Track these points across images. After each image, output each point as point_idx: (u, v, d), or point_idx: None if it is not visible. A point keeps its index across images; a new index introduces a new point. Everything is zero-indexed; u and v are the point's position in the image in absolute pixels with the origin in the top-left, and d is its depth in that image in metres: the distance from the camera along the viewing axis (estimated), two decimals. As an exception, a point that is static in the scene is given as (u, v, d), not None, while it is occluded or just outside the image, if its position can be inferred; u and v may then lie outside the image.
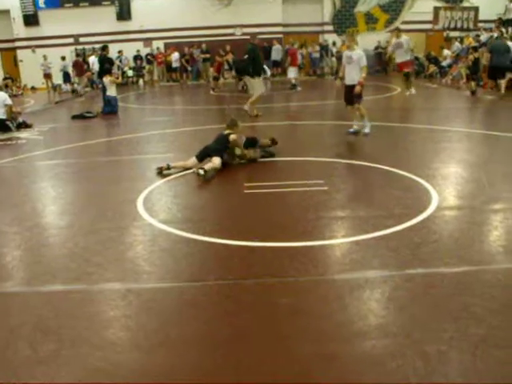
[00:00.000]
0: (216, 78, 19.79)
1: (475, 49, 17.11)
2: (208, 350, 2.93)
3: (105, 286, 3.78)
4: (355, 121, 9.44)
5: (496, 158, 7.53)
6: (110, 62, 14.64)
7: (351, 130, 9.43)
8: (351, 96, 9.04)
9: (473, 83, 15.49)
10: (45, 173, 7.74)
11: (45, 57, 22.81)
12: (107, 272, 4.03)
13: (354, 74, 8.94)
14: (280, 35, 24.58)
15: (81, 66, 21.88)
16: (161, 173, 6.86)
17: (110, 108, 14.01)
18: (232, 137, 7.21)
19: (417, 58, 20.73)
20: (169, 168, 6.91)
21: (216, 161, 6.95)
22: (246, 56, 12.07)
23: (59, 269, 4.14)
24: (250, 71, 12.07)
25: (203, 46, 22.78)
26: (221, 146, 7.17)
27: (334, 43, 24.48)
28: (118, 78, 15.83)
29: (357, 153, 7.82)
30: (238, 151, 7.33)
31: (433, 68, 21.77)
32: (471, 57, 17.03)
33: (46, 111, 16.20)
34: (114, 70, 17.03)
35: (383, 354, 2.79)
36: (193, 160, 7.07)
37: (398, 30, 15.68)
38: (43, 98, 19.76)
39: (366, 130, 9.14)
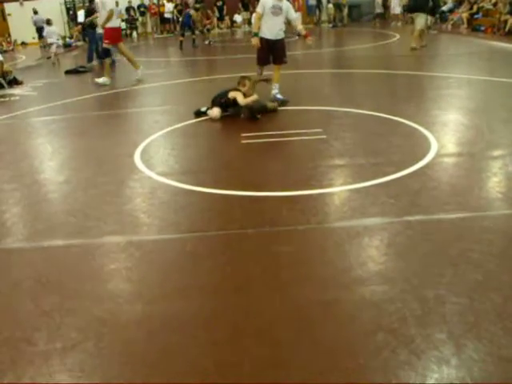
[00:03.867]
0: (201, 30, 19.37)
1: None
2: (209, 299, 2.96)
3: (105, 240, 3.79)
4: (272, 84, 7.93)
5: (496, 103, 7.44)
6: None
7: (279, 96, 7.88)
8: (282, 52, 7.80)
9: None
10: (40, 129, 7.67)
11: (34, 10, 22.17)
12: (107, 225, 4.04)
13: (282, 28, 7.71)
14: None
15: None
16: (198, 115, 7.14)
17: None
18: (231, 94, 7.06)
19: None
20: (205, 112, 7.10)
21: (214, 112, 7.00)
22: None
23: (59, 224, 4.14)
24: (426, 9, 13.15)
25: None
26: (219, 97, 7.16)
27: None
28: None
29: (355, 101, 7.72)
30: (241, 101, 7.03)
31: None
32: None
33: (39, 67, 15.91)
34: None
35: (382, 299, 2.82)
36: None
37: None
38: (35, 54, 19.36)
39: (280, 96, 7.86)
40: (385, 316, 2.67)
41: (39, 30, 22.14)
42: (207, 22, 20.04)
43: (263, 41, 7.70)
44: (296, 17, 7.88)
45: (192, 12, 18.58)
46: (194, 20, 18.11)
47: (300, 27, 7.91)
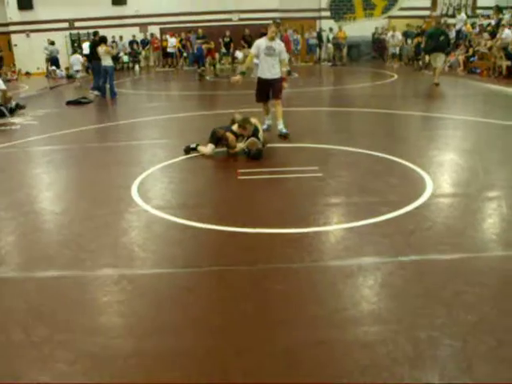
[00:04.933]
0: (211, 64, 19.72)
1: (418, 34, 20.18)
2: (200, 335, 2.94)
3: (99, 272, 3.78)
4: (277, 121, 8.17)
5: (491, 145, 7.53)
6: (104, 40, 14.55)
7: (264, 126, 8.28)
8: (278, 90, 8.05)
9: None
10: (39, 158, 7.71)
11: (49, 40, 22.49)
12: (101, 258, 4.03)
13: (276, 67, 7.96)
14: (277, 21, 24.35)
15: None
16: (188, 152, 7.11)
17: (112, 93, 14.13)
18: (226, 135, 7.01)
19: (418, 45, 20.72)
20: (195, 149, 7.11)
21: (209, 147, 7.01)
22: (441, 37, 14.46)
23: (53, 254, 4.14)
24: (446, 49, 15.07)
25: (199, 31, 22.61)
26: (216, 132, 7.13)
27: (330, 29, 24.31)
28: (112, 49, 15.85)
29: (352, 139, 7.80)
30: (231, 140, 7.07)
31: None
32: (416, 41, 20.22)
33: (41, 96, 16.09)
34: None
35: (375, 340, 2.81)
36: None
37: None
38: (38, 83, 19.59)
39: (285, 130, 8.10)
40: (377, 357, 2.65)
41: (52, 60, 22.58)
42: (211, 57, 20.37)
43: (260, 80, 8.10)
44: (284, 58, 8.17)
45: (204, 46, 19.03)
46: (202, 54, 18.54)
47: (283, 69, 8.19)
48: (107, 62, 14.13)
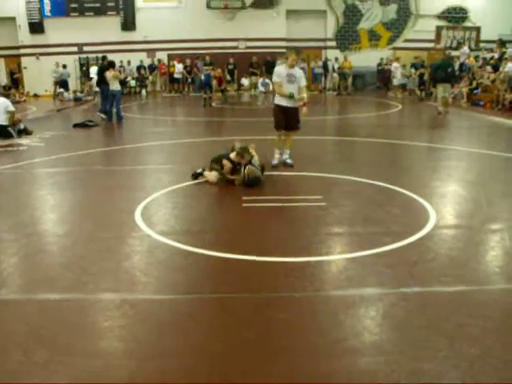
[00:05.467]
0: (217, 91, 19.92)
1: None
2: (201, 362, 2.93)
3: (100, 296, 3.78)
4: (284, 149, 8.11)
5: (494, 177, 7.56)
6: (113, 64, 14.77)
7: (274, 161, 8.12)
8: (295, 120, 7.99)
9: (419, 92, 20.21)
10: (45, 180, 7.76)
11: (57, 64, 22.95)
12: (103, 282, 4.03)
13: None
14: (283, 49, 24.75)
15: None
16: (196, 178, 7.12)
17: (118, 117, 14.30)
18: (224, 161, 7.00)
19: (421, 76, 21.00)
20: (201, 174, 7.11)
21: (213, 175, 7.02)
22: (449, 69, 15.30)
23: (55, 277, 4.14)
24: (452, 80, 15.87)
25: (207, 58, 22.92)
26: (216, 161, 7.15)
27: (336, 59, 24.63)
28: (120, 73, 16.05)
29: (356, 169, 7.83)
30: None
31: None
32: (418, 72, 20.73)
33: (48, 118, 16.25)
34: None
35: (377, 371, 2.78)
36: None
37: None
38: (46, 106, 19.81)
39: (290, 161, 8.08)
40: (378, 390, 2.63)
41: (62, 83, 22.98)
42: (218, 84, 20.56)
43: (279, 107, 7.96)
44: (304, 84, 8.07)
45: (213, 73, 19.24)
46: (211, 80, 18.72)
47: (304, 95, 8.01)
48: (115, 86, 14.32)
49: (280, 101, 7.94)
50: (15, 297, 3.83)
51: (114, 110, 14.57)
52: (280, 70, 7.95)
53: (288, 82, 7.79)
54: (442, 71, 15.39)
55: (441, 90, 15.32)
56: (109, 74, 14.23)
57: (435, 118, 14.60)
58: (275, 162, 8.10)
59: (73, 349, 3.06)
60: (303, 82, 7.96)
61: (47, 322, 3.42)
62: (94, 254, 4.62)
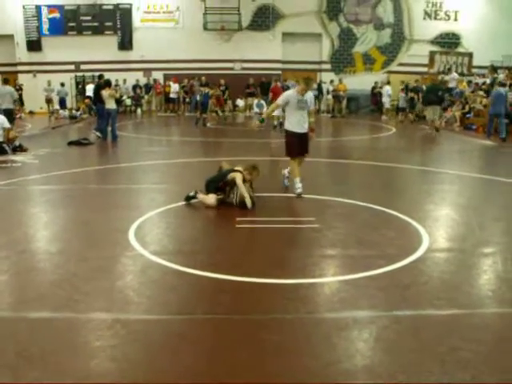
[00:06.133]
0: (212, 111, 19.99)
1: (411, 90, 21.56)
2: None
3: (92, 315, 3.75)
4: (297, 178, 7.61)
5: (486, 201, 7.61)
6: (109, 83, 14.88)
7: (285, 181, 8.10)
8: (307, 143, 7.75)
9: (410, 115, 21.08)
10: (38, 197, 7.74)
11: (49, 82, 23.12)
12: (95, 301, 4.01)
13: (306, 121, 7.66)
14: (279, 71, 25.00)
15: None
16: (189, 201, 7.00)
17: (113, 136, 14.36)
18: (232, 175, 6.92)
19: (412, 99, 21.32)
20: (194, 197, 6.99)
21: (212, 199, 6.88)
22: (439, 93, 16.72)
23: (47, 295, 4.11)
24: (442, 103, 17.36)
25: (202, 78, 23.10)
26: (216, 180, 7.06)
27: (331, 81, 24.88)
28: (116, 92, 16.13)
29: (349, 191, 7.87)
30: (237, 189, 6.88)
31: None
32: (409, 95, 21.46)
33: (43, 136, 16.26)
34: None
35: (369, 396, 2.78)
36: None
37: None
38: (41, 123, 19.84)
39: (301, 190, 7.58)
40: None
41: (60, 101, 23.26)
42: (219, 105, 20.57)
43: (292, 134, 7.67)
44: (312, 108, 7.96)
45: (212, 92, 19.33)
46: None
47: (311, 120, 7.85)
48: (110, 105, 14.38)
49: (293, 128, 7.62)
50: (5, 314, 3.80)
51: (109, 128, 14.61)
52: (290, 95, 7.70)
53: (299, 108, 7.53)
54: (432, 94, 16.50)
55: (430, 112, 16.61)
56: (105, 93, 14.30)
57: (428, 141, 14.73)
58: (285, 181, 8.04)
59: (63, 369, 3.03)
60: (312, 106, 7.80)
61: (38, 342, 3.38)
62: (86, 272, 4.59)
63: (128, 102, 24.92)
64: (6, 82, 14.88)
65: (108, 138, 14.58)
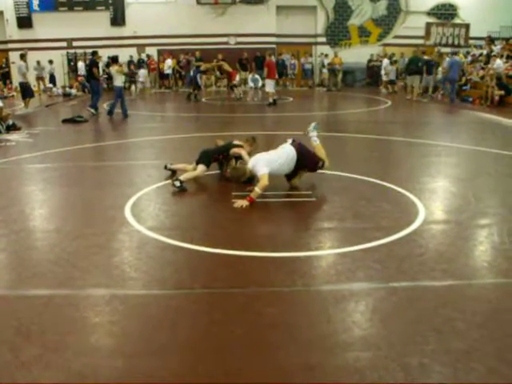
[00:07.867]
0: (231, 87, 19.66)
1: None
2: (190, 357, 2.93)
3: (90, 292, 3.77)
4: None
5: (483, 172, 7.61)
6: (116, 59, 14.83)
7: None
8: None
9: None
10: (33, 176, 7.70)
11: (38, 62, 22.87)
12: (93, 277, 4.02)
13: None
14: (273, 45, 24.73)
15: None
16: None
17: (124, 113, 14.28)
18: (235, 151, 6.82)
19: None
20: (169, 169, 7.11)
21: (199, 169, 6.80)
22: (419, 64, 18.24)
23: (44, 273, 4.12)
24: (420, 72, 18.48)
25: (197, 53, 22.83)
26: (216, 152, 7.01)
27: (326, 55, 24.65)
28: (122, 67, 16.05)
29: (346, 165, 7.86)
30: (233, 164, 6.88)
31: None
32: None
33: (37, 114, 16.12)
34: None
35: (366, 366, 2.80)
36: (193, 166, 6.92)
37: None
38: (34, 101, 19.64)
39: None
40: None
41: (50, 78, 23.47)
42: (232, 78, 20.10)
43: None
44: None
45: (202, 67, 19.11)
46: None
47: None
48: (118, 81, 14.26)
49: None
50: (4, 293, 3.81)
51: (116, 105, 14.44)
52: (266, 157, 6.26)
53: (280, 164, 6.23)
54: (413, 65, 18.11)
55: (410, 81, 18.63)
56: (113, 70, 14.18)
57: (425, 114, 14.66)
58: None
59: (62, 346, 3.05)
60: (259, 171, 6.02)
61: (36, 319, 3.39)
62: (83, 249, 4.60)
63: (122, 78, 24.62)
64: (22, 57, 16.26)
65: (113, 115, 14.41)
